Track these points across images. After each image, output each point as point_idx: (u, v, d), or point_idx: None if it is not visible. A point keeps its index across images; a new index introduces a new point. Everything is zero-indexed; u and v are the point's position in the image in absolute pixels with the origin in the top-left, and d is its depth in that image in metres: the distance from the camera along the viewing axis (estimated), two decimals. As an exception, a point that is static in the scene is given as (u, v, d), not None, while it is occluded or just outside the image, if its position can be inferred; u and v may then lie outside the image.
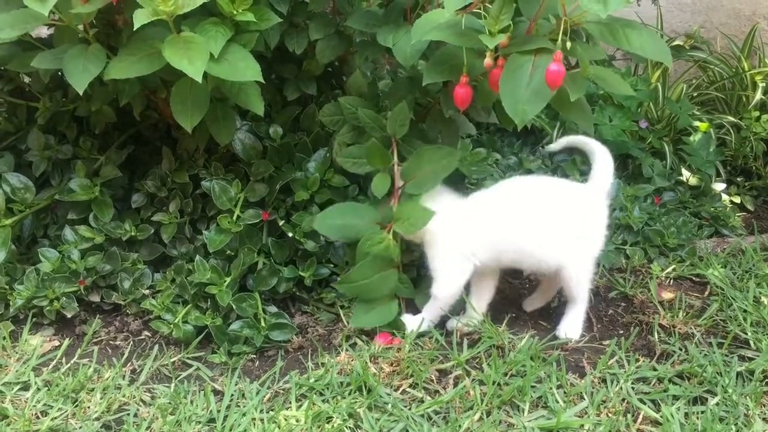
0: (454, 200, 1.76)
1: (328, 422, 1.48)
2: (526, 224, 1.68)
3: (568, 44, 1.39)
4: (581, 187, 1.80)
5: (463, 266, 1.71)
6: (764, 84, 2.64)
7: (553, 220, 1.69)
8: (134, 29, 1.45)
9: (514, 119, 1.42)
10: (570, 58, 1.83)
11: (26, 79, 2.07)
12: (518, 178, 1.81)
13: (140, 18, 1.44)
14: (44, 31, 1.87)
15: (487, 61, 1.49)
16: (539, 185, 1.77)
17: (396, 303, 1.75)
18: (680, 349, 1.71)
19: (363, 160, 1.80)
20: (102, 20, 1.68)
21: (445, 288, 1.73)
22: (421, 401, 1.54)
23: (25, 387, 1.60)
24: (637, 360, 1.67)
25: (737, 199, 2.48)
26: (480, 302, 1.79)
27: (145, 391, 1.59)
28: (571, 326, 1.77)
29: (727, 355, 1.68)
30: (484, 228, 1.70)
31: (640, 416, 1.51)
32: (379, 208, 1.77)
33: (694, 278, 2.03)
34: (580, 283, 1.74)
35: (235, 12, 1.58)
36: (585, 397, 1.55)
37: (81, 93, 1.53)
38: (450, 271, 1.72)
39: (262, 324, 1.74)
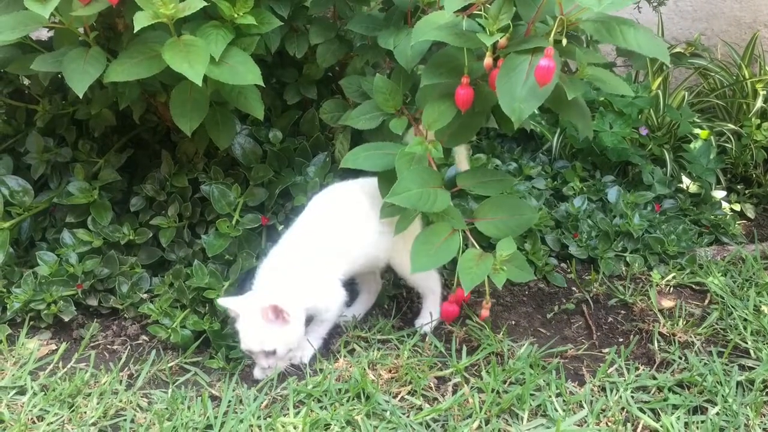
0: None
1: (326, 429, 1.47)
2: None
3: (564, 41, 1.38)
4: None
5: None
6: (765, 92, 2.63)
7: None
8: (134, 32, 1.44)
9: (511, 117, 1.42)
10: (570, 63, 1.82)
11: (26, 82, 2.06)
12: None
13: (141, 21, 1.44)
14: (44, 34, 1.86)
15: (487, 61, 1.49)
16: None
17: (457, 237, 1.60)
18: (680, 358, 1.70)
19: (375, 113, 1.74)
20: (102, 23, 1.68)
21: None
22: (420, 409, 1.53)
23: (22, 391, 1.59)
24: (637, 368, 1.66)
25: (737, 207, 2.47)
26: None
27: (142, 397, 1.58)
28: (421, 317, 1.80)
29: (727, 365, 1.67)
30: None
31: (640, 425, 1.50)
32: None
33: (694, 286, 2.02)
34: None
35: (235, 15, 1.58)
36: (584, 405, 1.54)
37: (81, 96, 1.53)
38: None
39: (261, 329, 1.73)
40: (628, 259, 2.09)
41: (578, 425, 1.49)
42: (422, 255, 1.56)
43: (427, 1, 1.75)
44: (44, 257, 1.84)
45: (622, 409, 1.54)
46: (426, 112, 1.59)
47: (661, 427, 1.48)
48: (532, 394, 1.56)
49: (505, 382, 1.60)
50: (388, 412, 1.51)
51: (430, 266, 1.58)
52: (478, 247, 1.61)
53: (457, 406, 1.53)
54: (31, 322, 1.79)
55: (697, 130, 2.50)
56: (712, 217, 2.31)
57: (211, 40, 1.55)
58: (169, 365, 1.68)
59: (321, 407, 1.53)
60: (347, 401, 1.54)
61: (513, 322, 1.85)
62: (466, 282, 1.53)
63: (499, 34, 1.44)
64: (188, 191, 1.95)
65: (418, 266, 1.56)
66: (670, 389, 1.59)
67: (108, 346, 1.77)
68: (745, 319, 1.83)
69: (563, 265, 2.10)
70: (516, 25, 1.48)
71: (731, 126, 2.60)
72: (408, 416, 1.51)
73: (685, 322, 1.83)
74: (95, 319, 1.83)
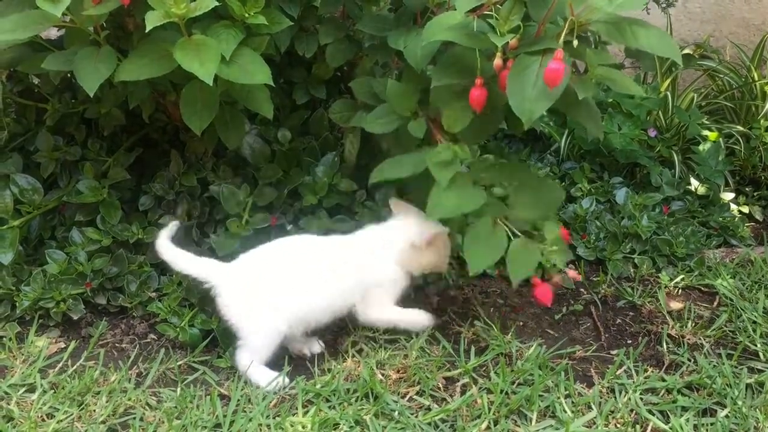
0: None
1: (334, 429, 1.47)
2: None
3: (575, 42, 1.39)
4: None
5: None
6: (774, 94, 2.63)
7: None
8: (146, 31, 1.44)
9: (521, 118, 1.42)
10: (580, 64, 1.82)
11: (35, 81, 2.07)
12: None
13: (152, 20, 1.44)
14: (53, 33, 1.87)
15: (497, 62, 1.49)
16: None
17: (501, 228, 1.59)
18: (689, 360, 1.70)
19: (391, 116, 1.73)
20: (113, 22, 1.68)
21: None
22: (428, 409, 1.54)
23: (31, 389, 1.60)
24: (646, 370, 1.66)
25: (746, 209, 2.46)
26: None
27: (151, 395, 1.59)
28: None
29: (736, 367, 1.67)
30: None
31: (649, 427, 1.50)
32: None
33: (702, 288, 2.02)
34: None
35: (246, 15, 1.58)
36: (593, 407, 1.54)
37: (92, 95, 1.53)
38: None
39: (269, 329, 1.73)
40: (636, 260, 2.09)
41: (587, 426, 1.49)
42: (477, 254, 1.57)
43: (437, 2, 1.75)
44: (53, 255, 1.84)
45: (631, 410, 1.54)
46: (445, 114, 1.60)
47: (671, 429, 1.48)
48: (540, 395, 1.56)
49: (513, 383, 1.60)
50: (397, 412, 1.51)
51: (490, 261, 1.58)
52: (519, 234, 1.60)
53: (466, 406, 1.53)
54: (40, 320, 1.80)
55: (705, 132, 2.49)
56: (721, 219, 2.31)
57: (222, 39, 1.55)
58: (178, 364, 1.68)
59: (330, 407, 1.53)
60: (356, 401, 1.54)
61: (521, 323, 1.85)
62: (516, 272, 1.55)
63: (510, 35, 1.44)
64: (197, 190, 1.95)
65: (477, 265, 1.58)
66: (679, 391, 1.59)
67: (116, 345, 1.77)
68: (755, 322, 1.83)
69: (571, 266, 2.10)
70: (527, 25, 1.48)
71: (740, 128, 2.60)
72: (416, 416, 1.51)
73: (693, 324, 1.82)
74: (104, 318, 1.83)
